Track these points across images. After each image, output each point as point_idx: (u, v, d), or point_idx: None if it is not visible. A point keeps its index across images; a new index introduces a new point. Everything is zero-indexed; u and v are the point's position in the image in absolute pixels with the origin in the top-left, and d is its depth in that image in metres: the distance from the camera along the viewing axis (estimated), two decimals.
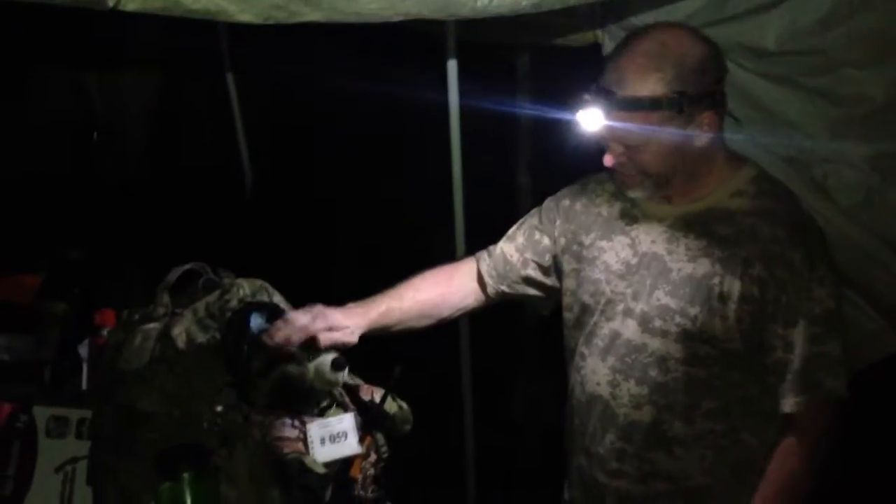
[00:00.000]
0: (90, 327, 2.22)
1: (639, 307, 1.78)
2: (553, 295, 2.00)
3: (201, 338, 1.84)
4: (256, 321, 1.82)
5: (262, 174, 3.92)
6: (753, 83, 2.15)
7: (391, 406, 1.82)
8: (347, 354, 1.83)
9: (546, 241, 1.98)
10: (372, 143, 4.08)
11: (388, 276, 2.03)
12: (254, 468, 1.72)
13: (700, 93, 1.69)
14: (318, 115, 4.18)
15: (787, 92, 2.15)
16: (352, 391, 1.83)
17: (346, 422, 1.74)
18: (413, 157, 3.86)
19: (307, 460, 1.70)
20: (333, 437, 1.72)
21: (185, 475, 1.64)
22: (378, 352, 1.89)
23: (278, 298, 1.95)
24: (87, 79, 4.04)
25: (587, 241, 1.89)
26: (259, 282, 1.96)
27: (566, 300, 1.92)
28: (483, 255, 2.06)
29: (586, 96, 1.73)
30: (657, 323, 1.75)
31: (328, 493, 1.71)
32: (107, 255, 2.99)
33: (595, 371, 1.82)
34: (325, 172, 4.26)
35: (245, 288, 1.92)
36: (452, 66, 2.75)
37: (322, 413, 1.81)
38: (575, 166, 1.99)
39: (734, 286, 1.71)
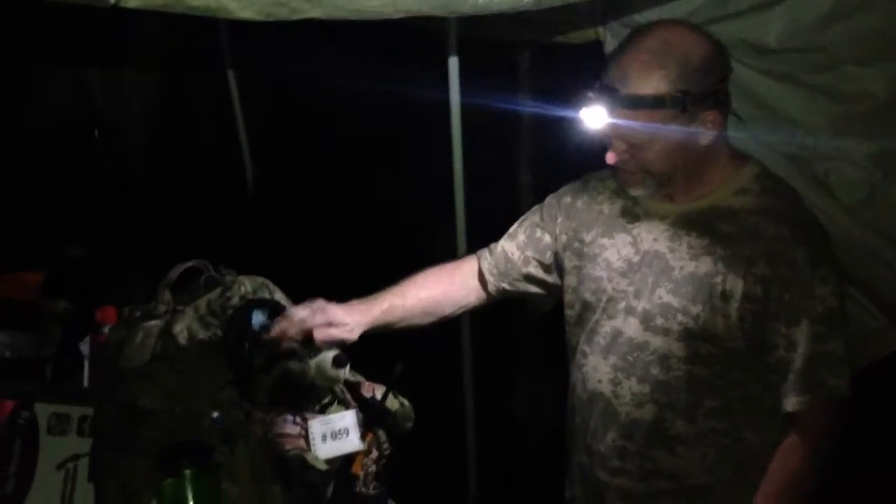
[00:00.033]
0: (92, 324, 2.23)
1: (641, 305, 1.77)
2: (554, 292, 2.00)
3: (203, 335, 1.84)
4: (258, 318, 1.82)
5: (264, 172, 3.92)
6: (755, 80, 2.14)
7: (393, 403, 1.82)
8: (349, 351, 1.83)
9: (547, 238, 1.98)
10: (373, 140, 4.08)
11: (390, 273, 2.03)
12: (255, 465, 1.72)
13: (704, 91, 1.68)
14: (319, 112, 4.18)
15: (788, 89, 2.14)
16: (353, 388, 1.84)
17: (347, 419, 1.75)
18: (414, 154, 3.85)
19: (309, 457, 1.70)
20: (335, 434, 1.73)
21: (187, 472, 1.64)
22: (379, 349, 1.89)
23: (279, 296, 1.96)
24: (88, 76, 4.04)
25: (588, 238, 1.88)
26: (260, 279, 1.96)
27: (567, 298, 1.92)
28: (484, 252, 2.06)
29: (589, 93, 1.72)
30: (659, 321, 1.75)
31: (330, 490, 1.71)
32: (108, 252, 2.99)
33: (596, 369, 1.82)
34: (327, 170, 4.26)
35: (246, 285, 1.92)
36: (453, 63, 2.75)
37: (323, 410, 1.82)
38: (576, 164, 1.98)
39: (737, 285, 1.70)
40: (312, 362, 1.78)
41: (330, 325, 1.86)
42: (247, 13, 1.82)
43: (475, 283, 2.06)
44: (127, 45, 3.95)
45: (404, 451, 1.84)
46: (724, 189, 1.77)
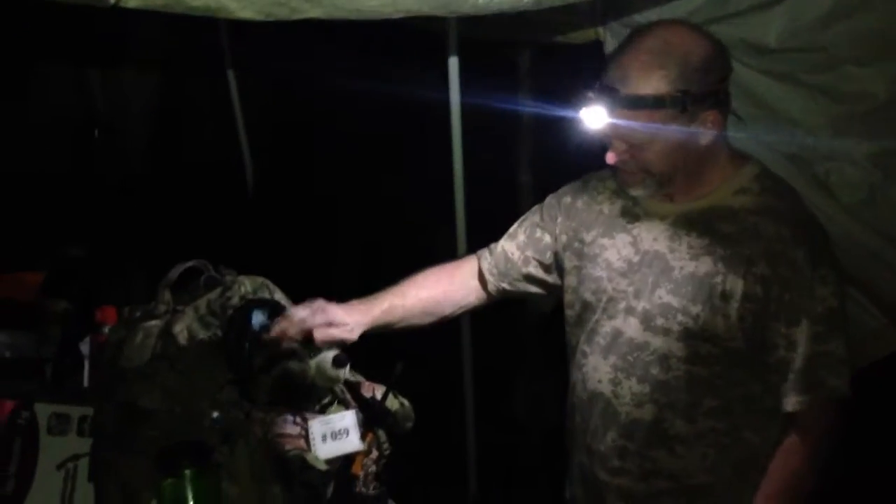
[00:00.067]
0: (92, 324, 2.22)
1: (641, 305, 1.77)
2: (554, 292, 2.00)
3: (203, 335, 1.84)
4: (258, 318, 1.82)
5: (264, 171, 3.92)
6: (755, 80, 2.14)
7: (393, 403, 1.82)
8: (349, 351, 1.83)
9: (547, 238, 1.98)
10: (373, 140, 4.08)
11: (390, 273, 2.03)
12: (255, 465, 1.72)
13: (704, 91, 1.68)
14: (318, 112, 4.18)
15: (788, 89, 2.14)
16: (353, 388, 1.84)
17: (347, 419, 1.75)
18: (414, 154, 3.85)
19: (309, 457, 1.70)
20: (335, 434, 1.73)
21: (187, 472, 1.64)
22: (379, 349, 1.89)
23: (279, 296, 1.96)
24: (88, 76, 4.03)
25: (588, 238, 1.88)
26: (260, 279, 1.96)
27: (567, 297, 1.92)
28: (484, 253, 2.06)
29: (589, 93, 1.72)
30: (659, 321, 1.75)
31: (330, 490, 1.71)
32: (108, 252, 2.99)
33: (596, 369, 1.82)
34: (326, 170, 4.26)
35: (246, 285, 1.92)
36: (453, 63, 2.75)
37: (323, 410, 1.82)
38: (576, 164, 1.98)
39: (737, 285, 1.70)
40: (312, 362, 1.78)
41: (330, 324, 1.86)
42: (247, 13, 1.82)
43: (475, 283, 2.06)
44: (127, 46, 3.95)
45: (404, 451, 1.84)
46: (724, 189, 1.77)
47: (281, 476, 1.72)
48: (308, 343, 1.82)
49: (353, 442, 1.72)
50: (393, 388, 1.81)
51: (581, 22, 2.62)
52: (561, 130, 1.94)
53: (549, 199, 2.00)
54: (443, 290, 2.03)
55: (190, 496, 1.64)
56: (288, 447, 1.72)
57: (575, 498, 1.94)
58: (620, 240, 1.83)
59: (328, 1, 1.85)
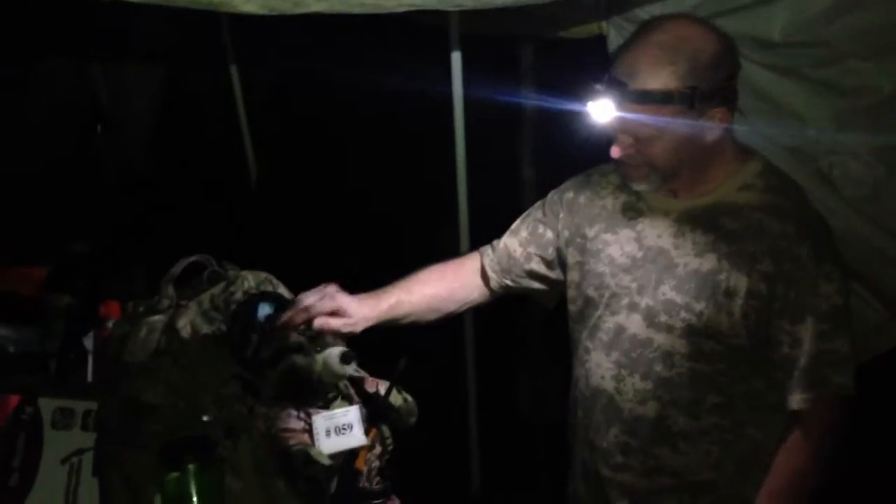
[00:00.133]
0: (95, 319, 2.22)
1: (644, 301, 1.77)
2: (557, 288, 2.00)
3: (206, 330, 1.84)
4: (264, 310, 1.82)
5: (267, 166, 3.92)
6: (759, 75, 2.14)
7: (396, 398, 1.82)
8: (353, 346, 1.83)
9: (549, 234, 1.97)
10: (375, 135, 4.08)
11: (392, 269, 2.03)
12: (259, 460, 1.72)
13: (713, 88, 1.68)
14: (321, 107, 4.18)
15: (792, 83, 2.14)
16: (357, 383, 1.83)
17: (351, 414, 1.74)
18: (417, 149, 3.85)
19: (312, 452, 1.70)
20: (339, 429, 1.73)
21: (191, 466, 1.64)
22: (383, 344, 1.88)
23: (283, 290, 1.95)
24: (91, 71, 4.03)
25: (591, 233, 1.88)
26: (264, 274, 1.96)
27: (570, 293, 1.92)
28: (487, 249, 2.05)
29: (597, 86, 1.71)
30: (662, 318, 1.75)
31: (333, 485, 1.71)
32: (112, 247, 2.99)
33: (599, 365, 1.82)
34: (329, 165, 4.26)
35: (250, 280, 1.92)
36: (456, 57, 2.74)
37: (327, 405, 1.81)
38: (580, 159, 1.98)
39: (741, 282, 1.70)
40: (319, 357, 1.78)
41: (334, 313, 1.85)
42: (250, 7, 1.82)
43: (478, 279, 2.05)
44: (130, 40, 3.94)
45: (408, 447, 1.84)
46: (728, 185, 1.77)
47: (284, 471, 1.72)
48: (314, 338, 1.82)
49: (356, 437, 1.72)
50: (396, 383, 1.80)
51: (584, 16, 2.62)
52: (564, 125, 1.93)
53: (552, 195, 2.00)
54: (447, 287, 2.03)
55: (193, 491, 1.64)
56: (292, 442, 1.72)
57: (577, 493, 1.94)
58: (623, 235, 1.83)
59: None
